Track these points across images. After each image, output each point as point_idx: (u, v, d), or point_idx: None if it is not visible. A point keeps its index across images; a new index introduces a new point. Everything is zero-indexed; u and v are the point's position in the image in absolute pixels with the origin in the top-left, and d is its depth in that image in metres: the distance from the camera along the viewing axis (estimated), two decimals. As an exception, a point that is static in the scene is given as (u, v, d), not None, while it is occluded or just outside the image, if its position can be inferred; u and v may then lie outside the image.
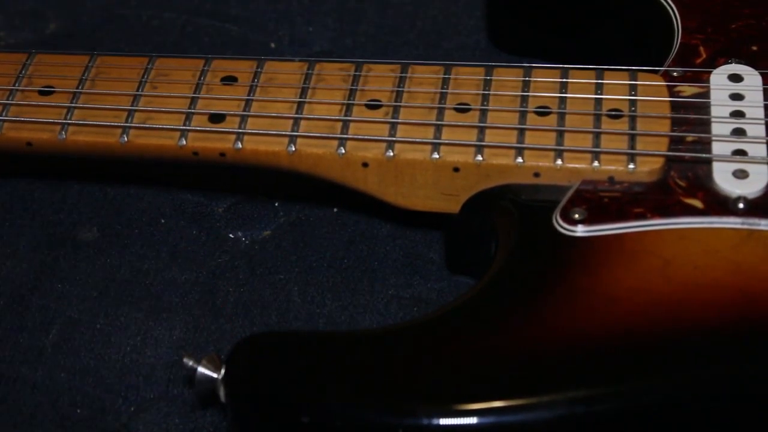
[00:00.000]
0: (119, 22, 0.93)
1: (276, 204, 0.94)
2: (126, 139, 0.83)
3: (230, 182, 0.95)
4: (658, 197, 0.77)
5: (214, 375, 0.73)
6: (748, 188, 0.77)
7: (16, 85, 0.86)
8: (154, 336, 0.86)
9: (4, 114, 0.85)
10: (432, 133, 0.81)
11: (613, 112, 0.81)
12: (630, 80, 0.83)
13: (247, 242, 0.92)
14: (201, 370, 0.73)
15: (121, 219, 0.94)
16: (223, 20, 1.07)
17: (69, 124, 0.84)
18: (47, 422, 0.81)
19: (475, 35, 1.05)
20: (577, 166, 0.79)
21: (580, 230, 0.77)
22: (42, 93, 0.86)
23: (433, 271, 0.89)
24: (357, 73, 0.85)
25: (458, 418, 0.68)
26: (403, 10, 1.08)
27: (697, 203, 0.77)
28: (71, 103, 0.85)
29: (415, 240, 0.91)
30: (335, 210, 0.93)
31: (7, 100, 0.85)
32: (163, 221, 0.93)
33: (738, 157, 0.78)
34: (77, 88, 0.86)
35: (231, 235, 0.92)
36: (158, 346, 0.86)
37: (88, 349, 0.86)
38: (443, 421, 0.68)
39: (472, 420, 0.68)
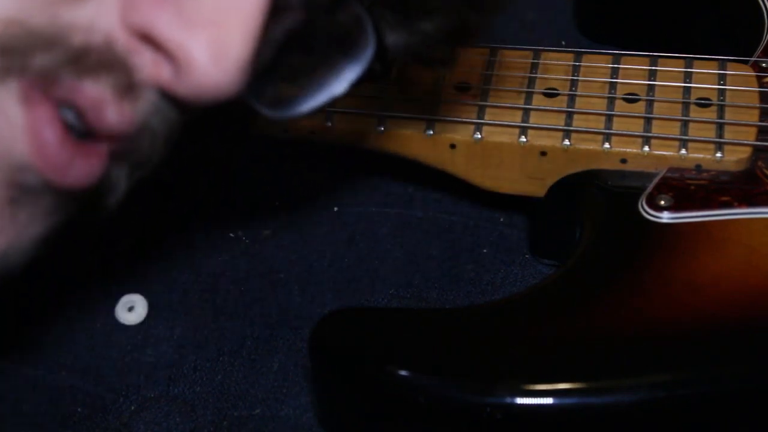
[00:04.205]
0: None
1: (276, 203, 0.93)
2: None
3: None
4: (744, 186, 0.78)
5: None
6: (837, 180, 0.77)
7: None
8: (155, 335, 0.85)
9: None
10: (520, 117, 0.82)
11: (702, 101, 0.81)
12: (719, 69, 0.83)
13: (247, 241, 0.90)
14: None
15: (122, 219, 0.93)
16: (223, 20, 1.07)
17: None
18: (48, 421, 0.81)
19: (475, 35, 1.04)
20: (664, 153, 0.79)
21: (666, 216, 0.77)
22: None
23: (434, 269, 0.88)
24: (446, 56, 0.86)
25: (540, 398, 0.69)
26: (403, 10, 1.07)
27: (785, 194, 0.77)
28: None
29: (415, 238, 0.90)
30: (335, 209, 0.92)
31: None
32: None
33: (826, 149, 0.78)
34: None
35: (231, 235, 0.91)
36: (159, 345, 0.85)
37: (89, 348, 0.85)
38: (525, 401, 0.69)
39: (555, 400, 0.69)
